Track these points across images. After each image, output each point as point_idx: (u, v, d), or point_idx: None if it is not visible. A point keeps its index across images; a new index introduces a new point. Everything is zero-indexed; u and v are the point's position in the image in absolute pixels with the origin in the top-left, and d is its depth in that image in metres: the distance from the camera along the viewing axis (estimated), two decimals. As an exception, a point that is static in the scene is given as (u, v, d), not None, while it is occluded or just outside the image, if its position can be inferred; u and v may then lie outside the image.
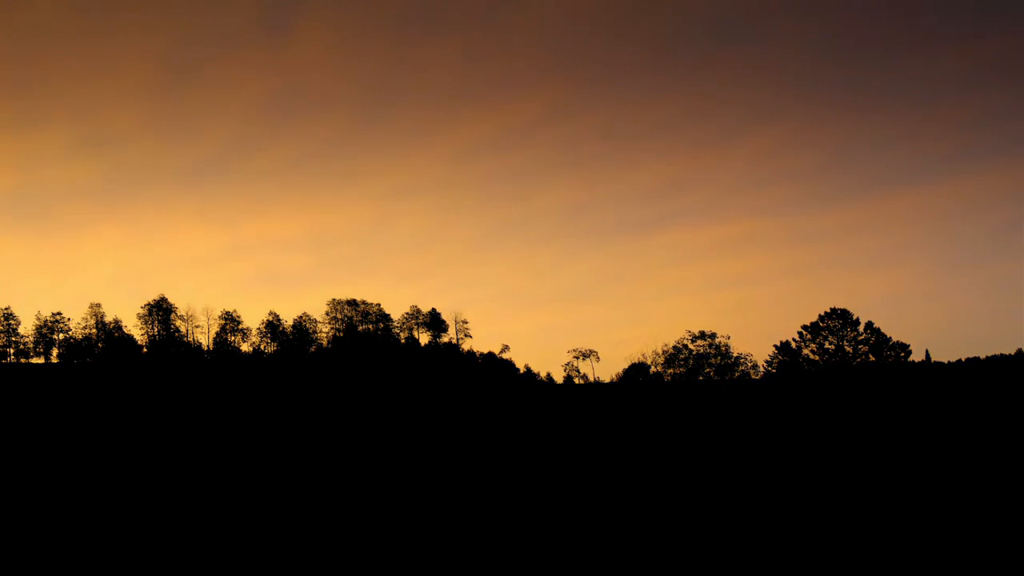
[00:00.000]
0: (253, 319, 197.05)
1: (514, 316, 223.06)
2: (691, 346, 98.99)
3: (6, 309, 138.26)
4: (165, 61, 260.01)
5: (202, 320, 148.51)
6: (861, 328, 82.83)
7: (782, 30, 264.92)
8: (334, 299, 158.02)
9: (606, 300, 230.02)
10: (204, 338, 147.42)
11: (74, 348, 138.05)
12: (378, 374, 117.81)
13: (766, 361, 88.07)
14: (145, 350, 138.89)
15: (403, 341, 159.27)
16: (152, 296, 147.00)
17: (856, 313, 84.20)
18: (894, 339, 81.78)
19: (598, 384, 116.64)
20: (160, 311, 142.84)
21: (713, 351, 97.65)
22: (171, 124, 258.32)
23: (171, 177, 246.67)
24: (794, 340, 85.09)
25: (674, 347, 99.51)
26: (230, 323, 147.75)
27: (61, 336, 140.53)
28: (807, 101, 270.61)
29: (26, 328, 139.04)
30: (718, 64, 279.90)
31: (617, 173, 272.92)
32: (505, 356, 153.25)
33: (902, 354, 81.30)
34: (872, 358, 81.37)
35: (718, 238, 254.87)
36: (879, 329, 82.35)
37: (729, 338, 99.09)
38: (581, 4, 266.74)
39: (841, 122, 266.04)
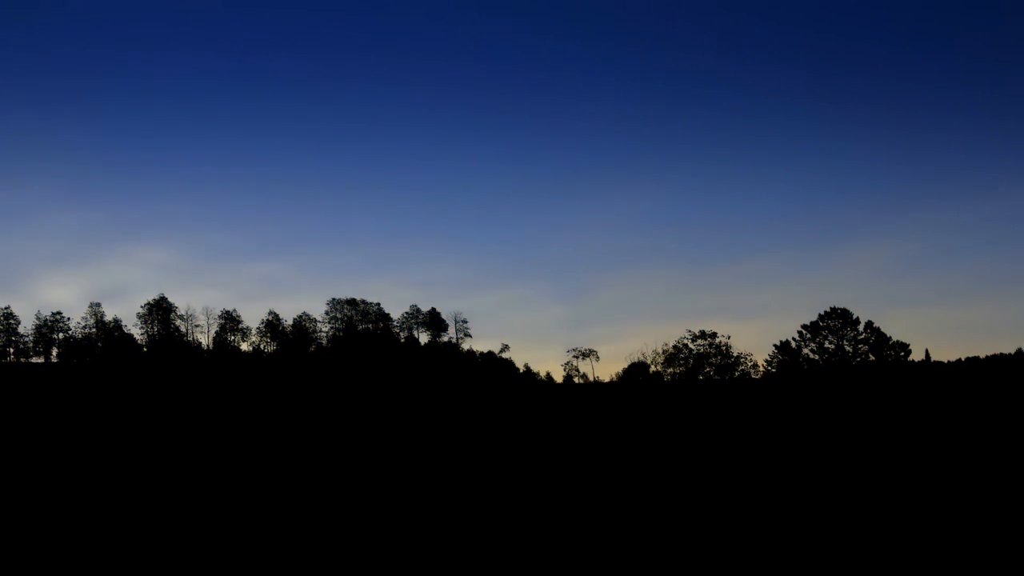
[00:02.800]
0: (253, 319, 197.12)
1: (514, 316, 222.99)
2: (691, 345, 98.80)
3: (6, 308, 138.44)
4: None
5: (202, 319, 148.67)
6: (861, 328, 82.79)
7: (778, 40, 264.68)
8: (334, 298, 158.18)
9: (606, 299, 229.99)
10: (204, 337, 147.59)
11: (74, 347, 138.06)
12: (378, 373, 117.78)
13: (766, 360, 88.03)
14: (145, 349, 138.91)
15: (403, 341, 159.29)
16: (152, 295, 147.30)
17: (856, 313, 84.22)
18: (894, 339, 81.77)
19: (598, 383, 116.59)
20: (160, 311, 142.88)
21: (713, 350, 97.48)
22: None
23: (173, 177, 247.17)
24: (794, 340, 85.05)
25: (674, 346, 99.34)
26: (230, 322, 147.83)
27: (61, 336, 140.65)
28: (812, 106, 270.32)
29: (26, 328, 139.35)
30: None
31: (616, 173, 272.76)
32: (505, 356, 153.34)
33: (902, 354, 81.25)
34: (872, 357, 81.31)
35: (718, 237, 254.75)
36: (879, 329, 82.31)
37: (729, 338, 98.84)
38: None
39: (842, 123, 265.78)
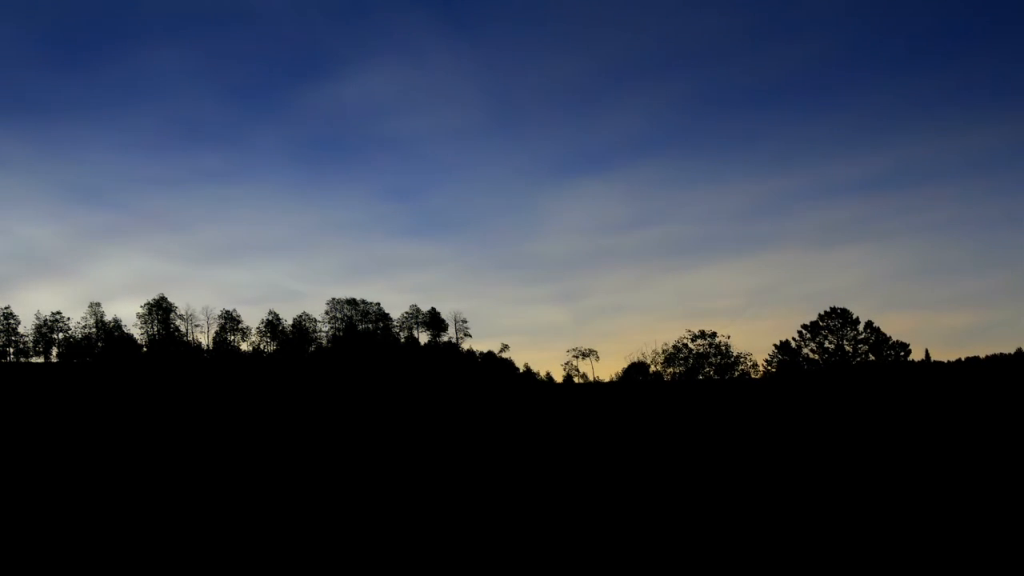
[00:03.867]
0: (253, 319, 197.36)
1: (514, 316, 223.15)
2: (691, 345, 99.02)
3: (6, 308, 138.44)
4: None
5: (202, 319, 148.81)
6: (861, 327, 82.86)
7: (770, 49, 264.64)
8: (333, 298, 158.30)
9: (606, 299, 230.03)
10: (204, 337, 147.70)
11: (74, 347, 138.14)
12: (378, 373, 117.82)
13: (766, 360, 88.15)
14: (145, 349, 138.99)
15: (403, 341, 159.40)
16: (152, 295, 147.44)
17: (856, 313, 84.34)
18: (894, 339, 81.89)
19: (598, 383, 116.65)
20: (160, 310, 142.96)
21: (713, 350, 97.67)
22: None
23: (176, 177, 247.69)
24: (794, 339, 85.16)
25: (674, 346, 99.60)
26: (230, 322, 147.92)
27: (61, 335, 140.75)
28: (812, 103, 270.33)
29: (26, 327, 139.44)
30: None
31: (616, 172, 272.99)
32: (505, 356, 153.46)
33: (902, 353, 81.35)
34: (872, 357, 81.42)
35: (718, 236, 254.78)
36: (879, 329, 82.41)
37: (729, 337, 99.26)
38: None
39: (842, 120, 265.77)
